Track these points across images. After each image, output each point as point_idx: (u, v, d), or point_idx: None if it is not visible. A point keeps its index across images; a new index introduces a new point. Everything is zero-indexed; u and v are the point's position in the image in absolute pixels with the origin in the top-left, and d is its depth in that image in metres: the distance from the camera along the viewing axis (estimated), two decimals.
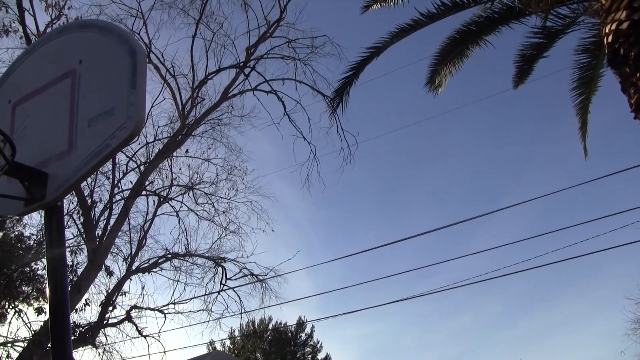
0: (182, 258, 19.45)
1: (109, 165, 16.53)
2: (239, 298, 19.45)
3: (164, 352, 17.59)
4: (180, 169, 19.76)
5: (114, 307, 17.20)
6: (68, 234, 16.12)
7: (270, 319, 42.15)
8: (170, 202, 19.31)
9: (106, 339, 17.52)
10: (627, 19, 8.77)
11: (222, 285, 19.34)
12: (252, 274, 19.54)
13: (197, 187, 19.97)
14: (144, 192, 18.15)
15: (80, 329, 16.22)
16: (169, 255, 19.12)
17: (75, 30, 3.70)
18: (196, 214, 20.03)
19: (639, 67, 8.65)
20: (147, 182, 18.19)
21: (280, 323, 42.34)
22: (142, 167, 17.94)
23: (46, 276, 3.45)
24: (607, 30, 9.18)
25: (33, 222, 17.14)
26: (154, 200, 19.13)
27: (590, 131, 14.32)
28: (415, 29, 12.47)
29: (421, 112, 47.22)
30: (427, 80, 14.19)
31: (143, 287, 18.14)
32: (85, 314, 16.77)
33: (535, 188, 50.08)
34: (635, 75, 8.74)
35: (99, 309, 16.73)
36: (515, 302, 57.36)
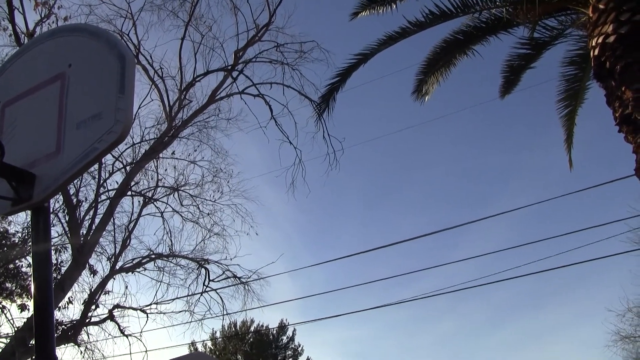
0: (165, 259, 19.47)
1: (95, 165, 16.50)
2: (222, 300, 19.55)
3: (146, 351, 17.62)
4: (166, 170, 19.77)
5: (97, 306, 17.24)
6: (53, 232, 16.08)
7: (252, 321, 42.19)
8: (155, 202, 19.34)
9: (88, 337, 17.53)
10: (613, 32, 8.88)
11: (204, 287, 19.40)
12: (235, 276, 19.60)
13: (182, 188, 19.98)
14: (129, 193, 18.17)
15: (63, 326, 16.21)
16: (153, 256, 19.14)
17: (65, 34, 3.75)
18: (181, 215, 20.07)
19: (625, 80, 8.75)
20: (132, 183, 18.19)
21: (262, 325, 42.38)
22: (128, 168, 17.94)
23: (31, 274, 3.50)
24: (593, 43, 9.28)
25: (18, 220, 17.16)
26: (139, 201, 19.18)
27: (576, 142, 14.43)
28: (403, 37, 12.52)
29: (408, 119, 47.42)
30: (414, 89, 14.24)
31: (126, 287, 18.19)
32: (68, 312, 16.77)
33: (520, 196, 50.28)
34: (621, 88, 8.85)
35: (82, 307, 16.75)
36: (499, 309, 57.53)
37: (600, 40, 9.09)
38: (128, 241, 18.59)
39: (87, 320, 16.91)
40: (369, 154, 54.46)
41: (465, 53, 13.26)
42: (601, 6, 9.25)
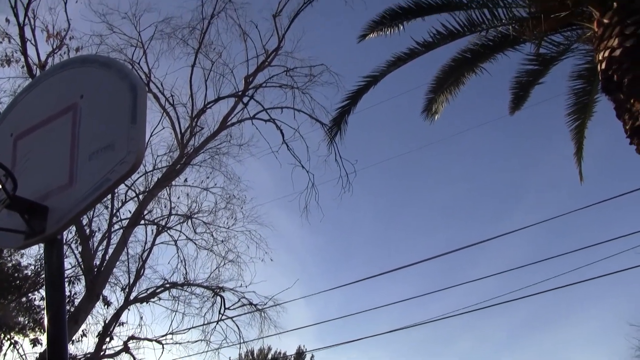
0: (180, 288, 19.39)
1: (107, 195, 16.49)
2: (238, 328, 19.39)
3: None
4: (178, 198, 19.78)
5: (112, 338, 17.16)
6: (66, 263, 16.08)
7: (269, 349, 41.84)
8: (168, 231, 19.32)
9: None
10: (619, 46, 8.89)
11: (220, 315, 19.28)
12: (250, 304, 19.48)
13: (195, 216, 19.96)
14: (142, 222, 18.19)
15: None
16: (168, 285, 19.07)
17: (77, 65, 3.76)
18: (195, 243, 20.01)
19: (633, 93, 8.73)
20: (145, 211, 18.23)
21: (280, 352, 42.08)
22: (140, 196, 17.99)
23: (45, 308, 3.48)
24: (600, 57, 9.29)
25: (31, 252, 17.14)
26: (152, 230, 19.15)
27: (587, 155, 14.37)
28: (412, 57, 12.52)
29: (419, 139, 47.22)
30: (423, 108, 14.24)
31: (141, 318, 18.13)
32: (82, 344, 16.73)
33: (534, 212, 49.90)
34: (629, 101, 8.83)
35: (96, 339, 16.69)
36: (518, 327, 56.91)
37: (606, 54, 9.10)
38: (142, 271, 18.57)
39: (101, 353, 16.85)
40: (381, 175, 54.29)
41: (473, 71, 13.26)
42: (606, 20, 9.27)
